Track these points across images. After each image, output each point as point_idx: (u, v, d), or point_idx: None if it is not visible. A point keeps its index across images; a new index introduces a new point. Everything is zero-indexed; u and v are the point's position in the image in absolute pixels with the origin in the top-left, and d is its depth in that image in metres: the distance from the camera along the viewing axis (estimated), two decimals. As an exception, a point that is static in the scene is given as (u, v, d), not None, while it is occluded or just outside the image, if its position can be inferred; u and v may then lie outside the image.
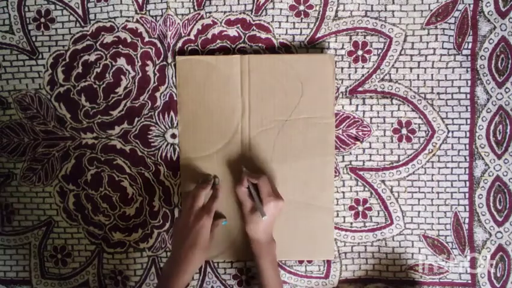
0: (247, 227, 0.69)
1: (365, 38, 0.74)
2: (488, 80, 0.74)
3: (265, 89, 0.73)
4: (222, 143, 0.74)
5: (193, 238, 0.65)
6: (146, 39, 0.76)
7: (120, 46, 0.76)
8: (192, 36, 0.76)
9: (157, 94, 0.76)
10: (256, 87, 0.73)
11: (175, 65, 0.75)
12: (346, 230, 0.77)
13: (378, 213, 0.76)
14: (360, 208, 0.76)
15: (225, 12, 0.75)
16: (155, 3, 0.75)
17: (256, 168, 0.73)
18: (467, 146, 0.75)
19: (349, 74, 0.75)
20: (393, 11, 0.74)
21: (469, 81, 0.74)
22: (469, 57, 0.74)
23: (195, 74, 0.74)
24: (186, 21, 0.75)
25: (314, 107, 0.73)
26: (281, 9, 0.74)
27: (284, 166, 0.74)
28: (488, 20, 0.73)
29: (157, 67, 0.76)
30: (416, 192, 0.75)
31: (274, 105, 0.74)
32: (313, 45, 0.75)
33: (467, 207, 0.75)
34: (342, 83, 0.75)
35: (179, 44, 0.75)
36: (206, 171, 0.75)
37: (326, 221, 0.75)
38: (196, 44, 0.76)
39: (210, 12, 0.75)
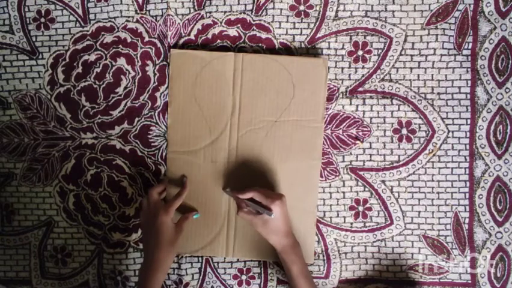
0: (270, 241, 0.67)
1: (365, 38, 0.74)
2: (488, 80, 0.74)
3: (257, 88, 0.73)
4: (210, 139, 0.74)
5: (155, 237, 0.66)
6: (146, 39, 0.76)
7: (120, 46, 0.76)
8: (192, 36, 0.75)
9: (157, 94, 0.76)
10: (248, 86, 0.73)
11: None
12: (346, 230, 0.76)
13: (379, 214, 0.76)
14: (361, 208, 0.76)
15: (225, 12, 0.75)
16: (155, 3, 0.75)
17: (244, 168, 0.74)
18: (468, 146, 0.75)
19: (349, 74, 0.75)
20: (393, 11, 0.74)
21: (469, 82, 0.74)
22: (469, 57, 0.74)
23: (188, 67, 0.74)
24: (186, 21, 0.75)
25: (304, 110, 0.73)
26: (281, 9, 0.74)
27: (271, 166, 0.74)
28: (489, 20, 0.73)
29: (157, 67, 0.76)
30: (416, 192, 0.75)
31: (264, 105, 0.73)
32: (314, 46, 0.75)
33: (467, 207, 0.75)
34: (342, 83, 0.75)
35: (180, 44, 0.75)
36: (192, 166, 0.74)
37: (308, 225, 0.74)
38: (196, 43, 0.75)
39: (210, 12, 0.75)
